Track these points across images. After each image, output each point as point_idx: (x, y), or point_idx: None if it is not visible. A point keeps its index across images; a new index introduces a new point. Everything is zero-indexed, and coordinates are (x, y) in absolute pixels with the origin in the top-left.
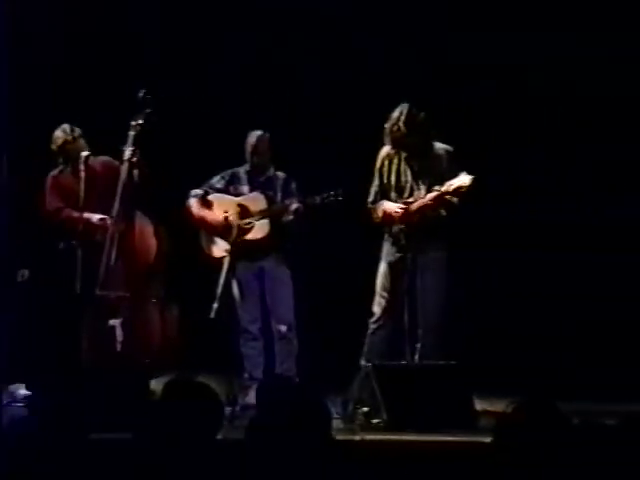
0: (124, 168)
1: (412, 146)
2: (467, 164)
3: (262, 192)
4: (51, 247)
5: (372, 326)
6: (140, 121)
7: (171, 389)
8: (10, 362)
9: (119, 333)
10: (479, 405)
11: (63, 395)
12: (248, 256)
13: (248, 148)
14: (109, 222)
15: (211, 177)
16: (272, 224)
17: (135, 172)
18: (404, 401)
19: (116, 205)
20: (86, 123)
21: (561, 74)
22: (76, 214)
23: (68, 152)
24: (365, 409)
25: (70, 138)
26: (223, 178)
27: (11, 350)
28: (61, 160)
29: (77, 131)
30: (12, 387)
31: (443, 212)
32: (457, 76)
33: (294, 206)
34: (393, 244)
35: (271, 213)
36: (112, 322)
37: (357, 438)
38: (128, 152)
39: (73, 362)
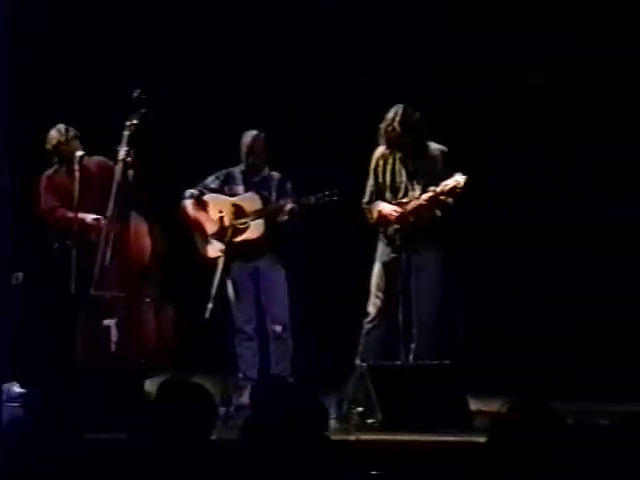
0: (119, 168)
1: (407, 146)
2: (466, 164)
3: (257, 192)
4: (46, 247)
5: (367, 326)
6: (135, 121)
7: (166, 389)
8: (5, 362)
9: (114, 333)
10: (474, 405)
11: (58, 395)
12: (243, 256)
13: (243, 148)
14: (103, 222)
15: (206, 177)
16: (267, 224)
17: (130, 172)
18: (399, 401)
19: (111, 205)
20: (86, 123)
21: (561, 74)
22: (70, 214)
23: (62, 153)
24: (360, 409)
25: (64, 139)
26: (218, 178)
27: (6, 350)
28: (56, 160)
29: (72, 132)
30: (5, 386)
31: (438, 212)
32: (457, 76)
33: (289, 206)
34: (388, 244)
35: (266, 213)
36: (107, 322)
37: (352, 438)
38: (123, 152)
39: (68, 362)
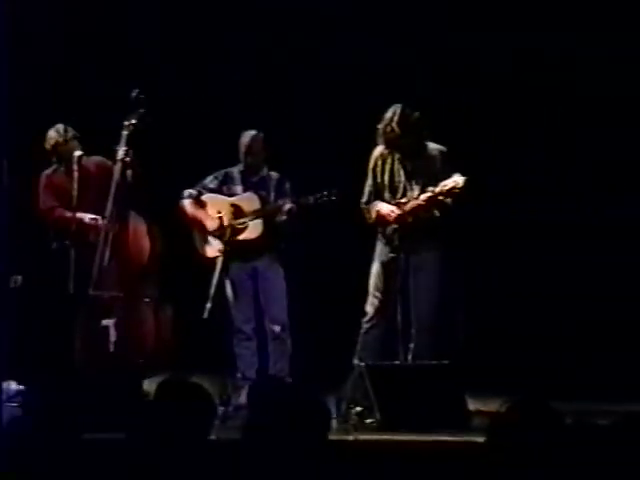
0: (117, 168)
1: (405, 146)
2: (465, 164)
3: (255, 192)
4: (44, 247)
5: (365, 326)
6: (133, 121)
7: (164, 389)
8: (4, 362)
9: (112, 333)
10: (472, 405)
11: (56, 395)
12: (241, 256)
13: (242, 148)
14: (101, 222)
15: (204, 177)
16: (265, 224)
17: (128, 172)
18: (397, 401)
19: (109, 205)
20: (85, 123)
21: (561, 74)
22: (69, 214)
23: (60, 153)
24: (358, 409)
25: (62, 140)
26: (216, 178)
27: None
28: (54, 160)
29: (70, 132)
30: (3, 384)
31: (437, 213)
32: (457, 76)
33: (287, 206)
34: (386, 244)
35: (264, 213)
36: (105, 322)
37: (350, 438)
38: (121, 152)
39: (66, 362)
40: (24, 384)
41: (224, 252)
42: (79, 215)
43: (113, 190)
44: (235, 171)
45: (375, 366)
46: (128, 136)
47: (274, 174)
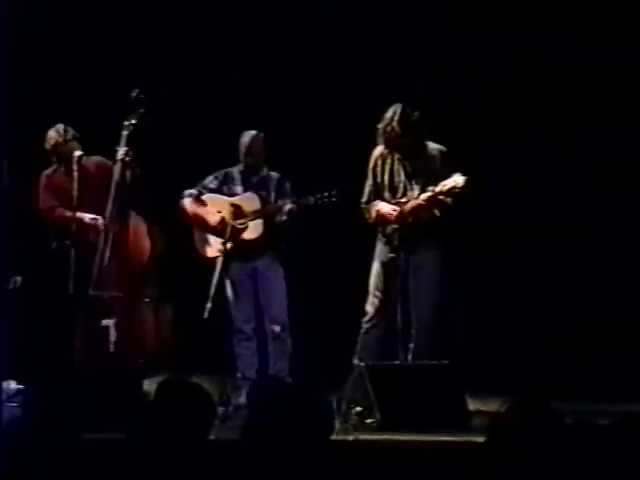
0: (117, 168)
1: (405, 146)
2: (465, 164)
3: (256, 192)
4: (44, 247)
5: (365, 325)
6: (133, 121)
7: (164, 389)
8: (4, 362)
9: (112, 333)
10: (472, 405)
11: (56, 395)
12: (242, 256)
13: (242, 148)
14: (101, 222)
15: (205, 177)
16: (266, 224)
17: (127, 172)
18: (397, 401)
19: (109, 205)
20: (85, 123)
21: (561, 74)
22: (69, 214)
23: (60, 153)
24: (358, 409)
25: (62, 140)
26: (216, 178)
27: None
28: (54, 160)
29: (70, 132)
30: (3, 384)
31: (437, 212)
32: (457, 76)
33: (288, 207)
34: (386, 244)
35: (265, 213)
36: (105, 322)
37: (350, 438)
38: (121, 152)
39: (66, 362)
40: (24, 384)
41: (224, 251)
42: (79, 215)
43: (113, 190)
44: (235, 171)
45: (375, 366)
46: (128, 136)
47: (274, 174)
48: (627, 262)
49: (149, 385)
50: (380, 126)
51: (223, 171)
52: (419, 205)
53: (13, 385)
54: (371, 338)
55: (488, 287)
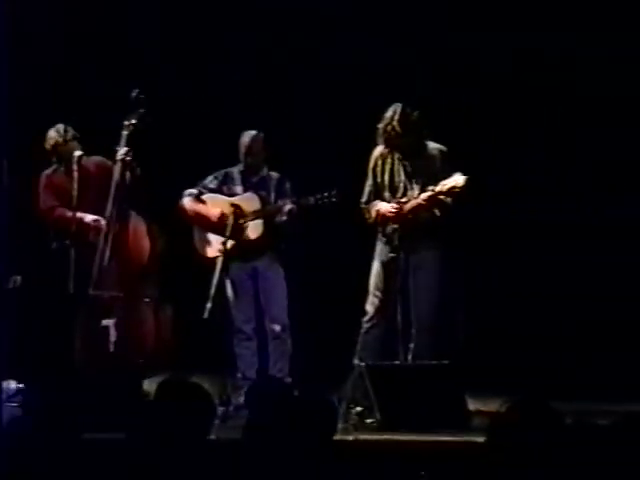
0: (117, 168)
1: (405, 146)
2: (465, 164)
3: (256, 192)
4: (44, 247)
5: (365, 325)
6: (133, 121)
7: (164, 389)
8: (3, 362)
9: (112, 333)
10: (472, 405)
11: (56, 395)
12: (242, 256)
13: (242, 148)
14: (102, 223)
15: (205, 177)
16: (266, 224)
17: (128, 172)
18: (397, 401)
19: (109, 205)
20: (85, 123)
21: (561, 74)
22: (69, 213)
23: (60, 153)
24: (358, 409)
25: (61, 140)
26: (216, 178)
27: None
28: (54, 159)
29: (70, 132)
30: (3, 384)
31: (437, 212)
32: (457, 76)
33: (288, 207)
34: (386, 244)
35: (265, 214)
36: (105, 322)
37: (351, 438)
38: (121, 152)
39: (66, 362)
40: (24, 384)
41: (224, 251)
42: (80, 215)
43: (113, 190)
44: (235, 171)
45: (375, 366)
46: (128, 136)
47: (274, 174)
48: (627, 262)
49: (149, 385)
50: (380, 126)
51: (223, 171)
52: (419, 205)
53: (13, 385)
54: (371, 338)
55: (488, 287)
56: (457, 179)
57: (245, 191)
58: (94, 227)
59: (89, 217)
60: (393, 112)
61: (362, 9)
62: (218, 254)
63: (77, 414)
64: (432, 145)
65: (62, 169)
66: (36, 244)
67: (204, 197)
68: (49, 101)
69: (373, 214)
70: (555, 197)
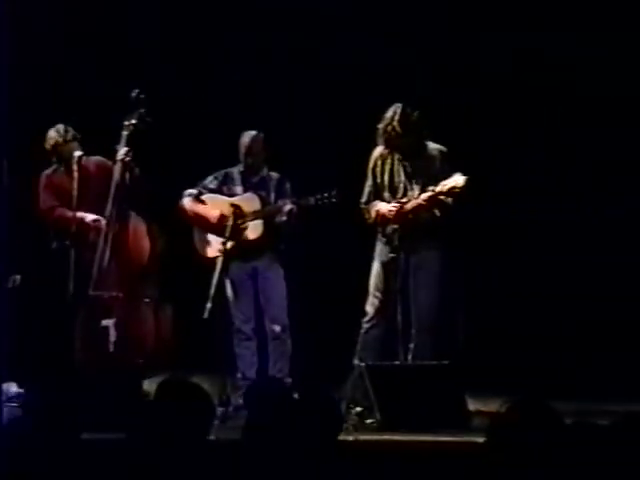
0: (117, 168)
1: (405, 146)
2: (465, 164)
3: (256, 193)
4: (44, 247)
5: (365, 325)
6: (133, 121)
7: (164, 389)
8: (3, 362)
9: (112, 333)
10: (472, 405)
11: (56, 395)
12: (242, 256)
13: (242, 148)
14: (102, 223)
15: (204, 177)
16: (266, 224)
17: (128, 172)
18: (397, 401)
19: (109, 205)
20: (85, 123)
21: (561, 74)
22: (69, 213)
23: (60, 153)
24: (358, 409)
25: (61, 140)
26: (216, 178)
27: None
28: (54, 159)
29: (70, 133)
30: (3, 385)
31: (437, 212)
32: (457, 76)
33: (288, 207)
34: (386, 244)
35: (265, 214)
36: (105, 322)
37: (350, 438)
38: (121, 152)
39: (66, 362)
40: (24, 385)
41: (224, 251)
42: (80, 215)
43: (113, 190)
44: (235, 171)
45: (375, 366)
46: (128, 136)
47: (274, 174)
48: (627, 262)
49: (149, 385)
50: (380, 126)
51: (223, 171)
52: (419, 205)
53: (14, 388)
54: (371, 338)
55: (488, 287)
56: (457, 179)
57: (245, 191)
58: (94, 227)
59: (89, 217)
60: (393, 112)
61: (362, 9)
62: (218, 254)
63: (77, 414)
64: (432, 145)
65: (62, 169)
66: (36, 244)
67: (204, 197)
68: (49, 101)
69: (373, 214)
70: (555, 197)
